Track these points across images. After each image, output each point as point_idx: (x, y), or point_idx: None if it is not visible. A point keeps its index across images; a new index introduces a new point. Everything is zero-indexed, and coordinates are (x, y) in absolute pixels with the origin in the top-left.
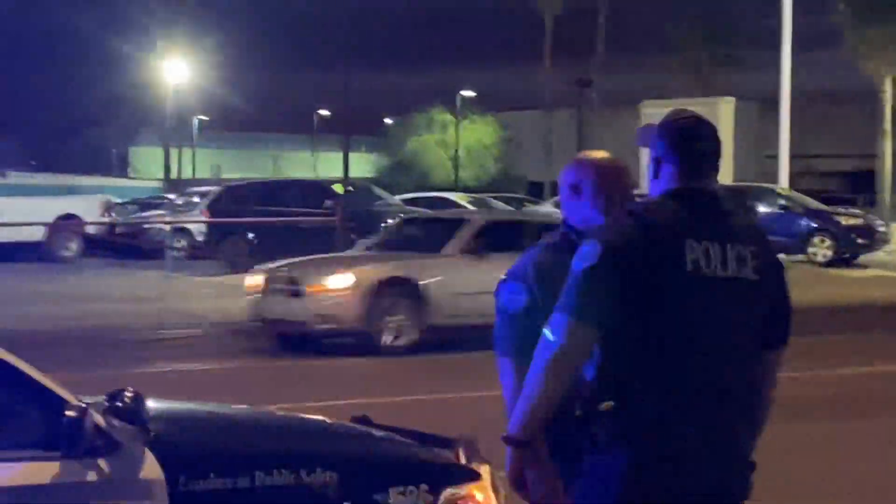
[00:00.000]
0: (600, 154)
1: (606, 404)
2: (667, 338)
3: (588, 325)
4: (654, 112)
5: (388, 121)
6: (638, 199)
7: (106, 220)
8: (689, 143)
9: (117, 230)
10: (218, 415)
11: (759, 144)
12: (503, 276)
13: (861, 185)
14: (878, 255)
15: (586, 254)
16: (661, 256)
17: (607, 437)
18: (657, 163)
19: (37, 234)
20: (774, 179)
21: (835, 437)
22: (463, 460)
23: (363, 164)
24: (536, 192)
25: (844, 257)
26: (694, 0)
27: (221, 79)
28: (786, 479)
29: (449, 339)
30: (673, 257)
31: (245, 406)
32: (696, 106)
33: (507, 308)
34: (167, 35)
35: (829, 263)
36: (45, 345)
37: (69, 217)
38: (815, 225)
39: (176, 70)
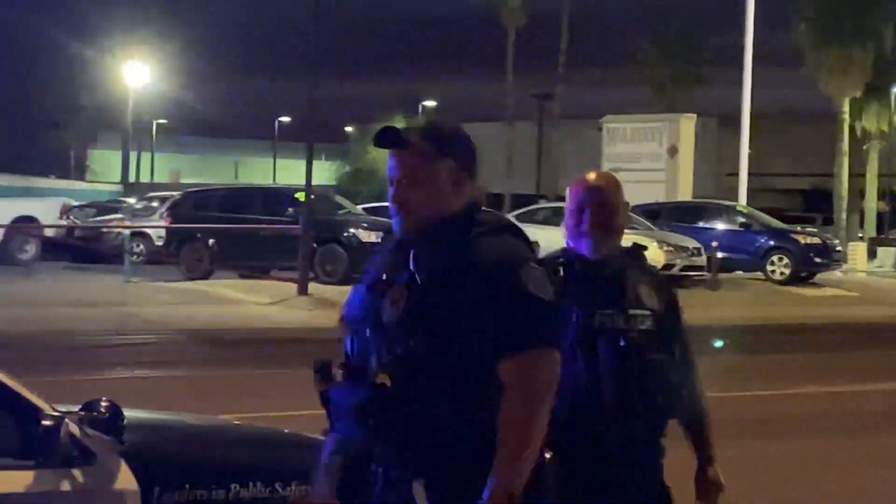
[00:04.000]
0: (586, 175)
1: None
2: None
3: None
4: (617, 126)
5: (349, 129)
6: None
7: (64, 223)
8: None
9: (76, 233)
10: (193, 426)
11: (718, 161)
12: None
13: (817, 204)
14: (835, 274)
15: (547, 283)
16: None
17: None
18: (462, 174)
19: None
20: (732, 196)
21: (788, 455)
22: None
23: (323, 172)
24: (497, 204)
25: (802, 276)
26: (657, 16)
27: (183, 83)
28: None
29: None
30: None
31: (218, 417)
32: (658, 122)
33: None
34: (129, 39)
35: (787, 281)
36: (0, 348)
37: (27, 219)
38: (773, 243)
39: (137, 74)
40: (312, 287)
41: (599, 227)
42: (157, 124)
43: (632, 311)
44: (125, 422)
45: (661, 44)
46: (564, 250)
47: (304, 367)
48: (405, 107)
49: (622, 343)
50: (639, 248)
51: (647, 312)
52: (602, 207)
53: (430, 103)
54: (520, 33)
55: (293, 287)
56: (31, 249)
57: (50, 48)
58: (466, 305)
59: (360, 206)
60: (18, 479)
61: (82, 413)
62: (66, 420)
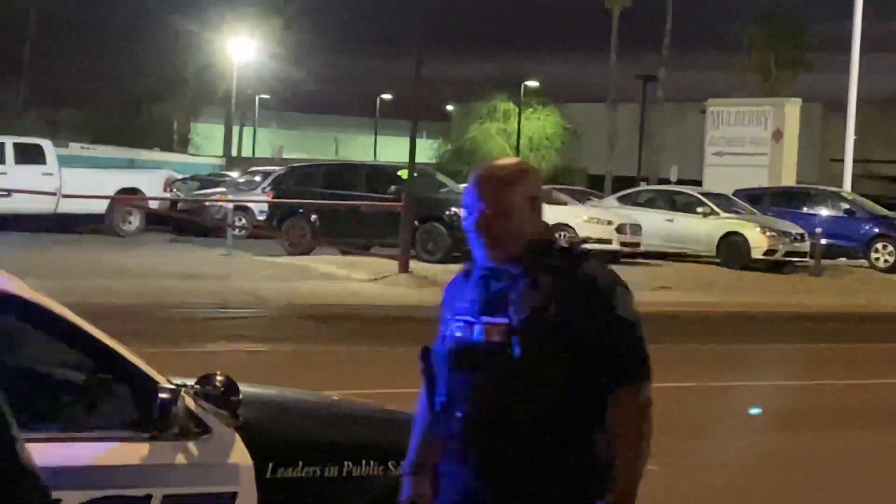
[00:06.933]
0: (484, 165)
1: None
2: None
3: None
4: (720, 110)
5: (450, 108)
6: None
7: (168, 195)
8: None
9: (179, 206)
10: (307, 402)
11: (823, 147)
12: None
13: None
14: None
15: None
16: None
17: None
18: None
19: (98, 206)
20: (836, 182)
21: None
22: None
23: (424, 150)
24: (597, 185)
25: None
26: (764, 0)
27: (286, 59)
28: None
29: None
30: None
31: (327, 394)
32: (762, 106)
33: None
34: (234, 13)
35: (891, 269)
36: (104, 319)
37: (131, 191)
38: (878, 230)
39: (241, 48)
40: (413, 265)
41: (486, 235)
42: (260, 99)
43: (486, 320)
44: (241, 396)
45: (766, 28)
46: None
47: (404, 345)
48: (507, 86)
49: (443, 351)
50: (567, 249)
51: (503, 322)
52: (490, 212)
53: (533, 83)
54: (624, 15)
55: (394, 264)
56: (135, 221)
57: (155, 22)
58: None
59: (461, 185)
60: (135, 451)
61: (198, 386)
62: (182, 393)
